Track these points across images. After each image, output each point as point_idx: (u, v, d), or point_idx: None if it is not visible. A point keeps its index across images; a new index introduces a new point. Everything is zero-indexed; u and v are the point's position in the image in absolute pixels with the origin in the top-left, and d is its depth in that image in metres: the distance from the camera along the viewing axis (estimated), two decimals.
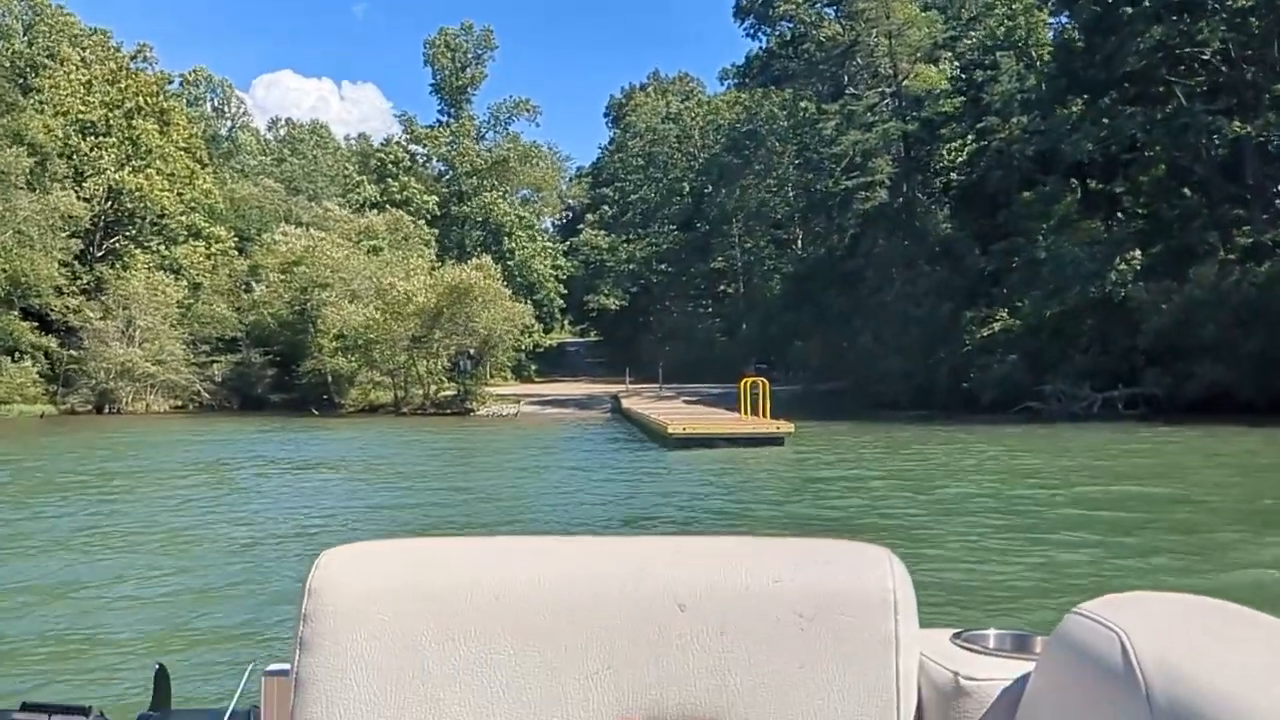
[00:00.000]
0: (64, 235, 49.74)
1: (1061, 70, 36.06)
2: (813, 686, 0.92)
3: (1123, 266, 31.55)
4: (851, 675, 0.92)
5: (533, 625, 0.95)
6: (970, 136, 42.82)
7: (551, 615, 0.95)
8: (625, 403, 41.30)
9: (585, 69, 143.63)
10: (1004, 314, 36.38)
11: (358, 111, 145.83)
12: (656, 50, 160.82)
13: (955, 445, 23.41)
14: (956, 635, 1.03)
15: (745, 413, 25.54)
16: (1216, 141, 33.24)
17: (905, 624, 0.94)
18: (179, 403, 49.24)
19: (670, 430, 22.84)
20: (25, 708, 1.26)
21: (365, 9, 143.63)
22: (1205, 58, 32.41)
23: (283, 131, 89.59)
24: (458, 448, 26.50)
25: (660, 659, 0.93)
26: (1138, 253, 31.53)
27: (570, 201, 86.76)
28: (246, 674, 1.28)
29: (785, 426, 22.83)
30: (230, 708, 1.27)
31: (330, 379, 46.71)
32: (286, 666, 1.02)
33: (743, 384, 25.98)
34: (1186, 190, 32.93)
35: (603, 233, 74.33)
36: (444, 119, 71.95)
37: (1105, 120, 33.06)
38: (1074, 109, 35.14)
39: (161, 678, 1.31)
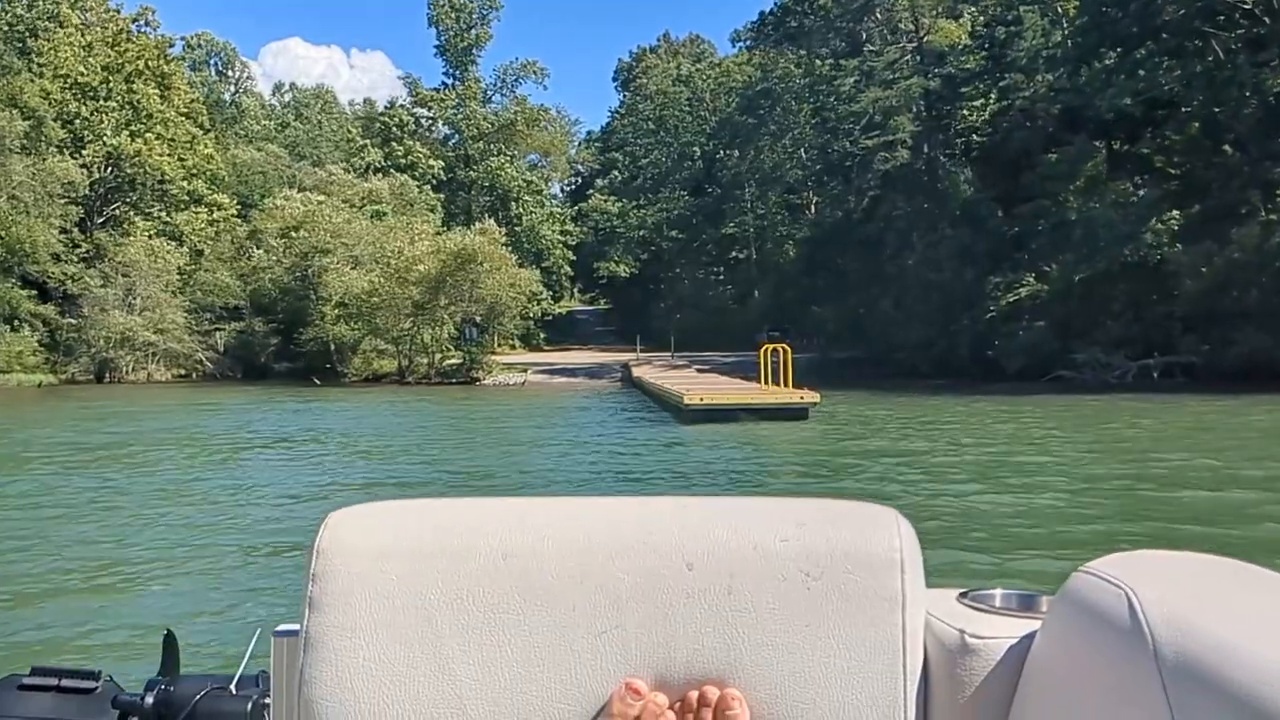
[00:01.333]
0: (62, 201, 48.92)
1: (1093, 22, 34.33)
2: (819, 644, 0.92)
3: (1159, 228, 29.95)
4: (858, 633, 0.92)
5: (541, 585, 0.95)
6: (993, 95, 41.18)
7: (560, 575, 0.95)
8: (636, 371, 40.00)
9: (594, 33, 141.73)
10: (1030, 279, 34.89)
11: (367, 79, 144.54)
12: (667, 12, 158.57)
13: (994, 416, 21.95)
14: (963, 594, 1.02)
15: (766, 382, 23.82)
16: (1256, 97, 31.56)
17: (912, 583, 0.93)
18: (182, 371, 48.56)
19: (686, 401, 21.23)
20: (35, 672, 1.31)
21: None
22: (1247, 6, 30.63)
23: (287, 97, 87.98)
24: (459, 420, 25.25)
25: (668, 618, 0.93)
26: (1175, 213, 29.89)
27: (579, 167, 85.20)
28: (255, 637, 1.27)
29: (810, 396, 21.16)
30: (239, 671, 1.32)
31: (333, 347, 45.58)
32: (295, 627, 1.02)
33: (762, 351, 24.12)
34: (1227, 148, 31.23)
35: (612, 198, 72.77)
36: (449, 81, 70.25)
37: (1141, 73, 31.31)
38: (1108, 62, 33.44)
39: (170, 642, 1.33)
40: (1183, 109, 32.31)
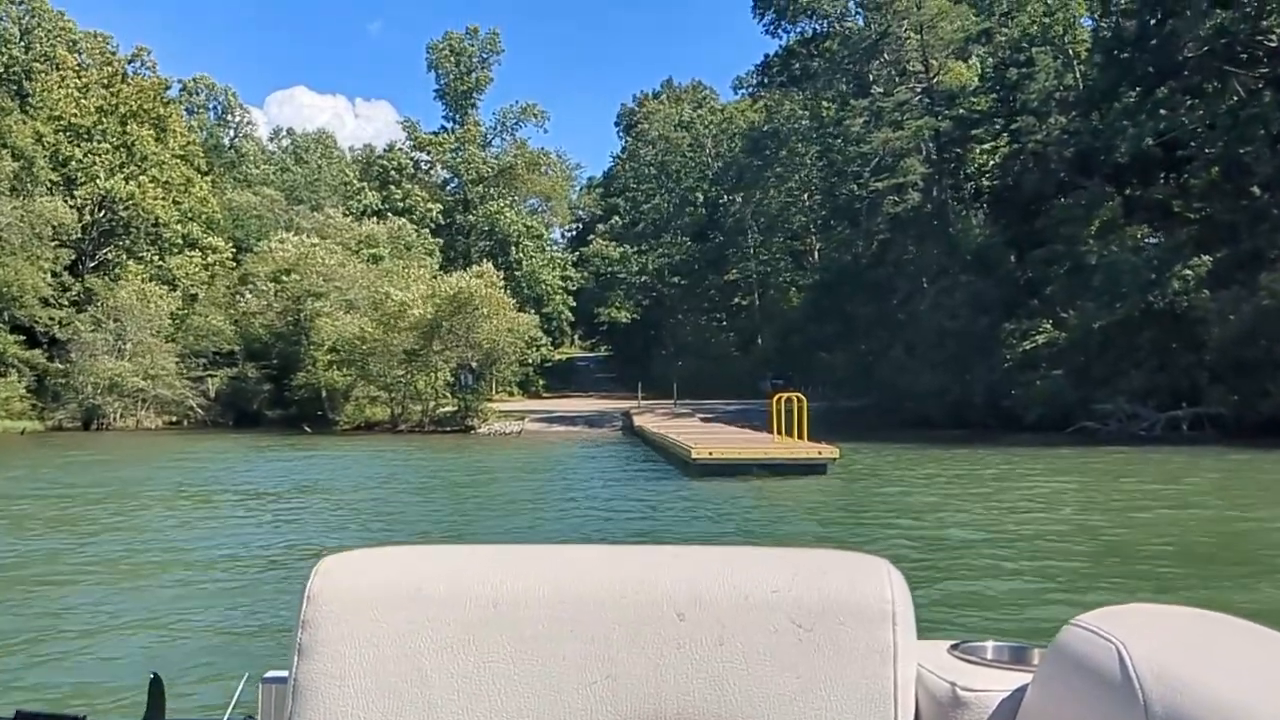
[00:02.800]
0: (53, 244, 48.05)
1: (1109, 61, 33.29)
2: (811, 696, 0.92)
3: (1185, 273, 28.63)
4: (849, 685, 0.92)
5: (532, 633, 0.95)
6: (1004, 138, 40.14)
7: (550, 624, 0.95)
8: (638, 420, 38.53)
9: (596, 79, 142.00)
10: (1047, 326, 33.58)
11: (371, 128, 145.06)
12: (669, 58, 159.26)
13: (1025, 471, 20.38)
14: (954, 646, 1.03)
15: (778, 434, 22.21)
16: None
17: (903, 634, 0.93)
18: (173, 418, 47.51)
19: (695, 455, 19.60)
20: (20, 716, 1.28)
21: (380, 27, 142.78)
22: (1273, 44, 29.56)
23: (286, 142, 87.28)
24: (448, 473, 23.68)
25: (659, 668, 0.93)
26: (1203, 258, 28.59)
27: (580, 212, 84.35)
28: (243, 681, 1.28)
29: (829, 451, 19.63)
30: (225, 718, 1.30)
31: (324, 394, 44.20)
32: (284, 674, 1.01)
33: (775, 400, 22.46)
34: (1256, 189, 30.01)
35: (613, 243, 71.78)
36: (449, 125, 69.46)
37: (1163, 112, 30.15)
38: (1127, 102, 32.36)
39: (156, 688, 1.31)
40: (1207, 150, 31.09)
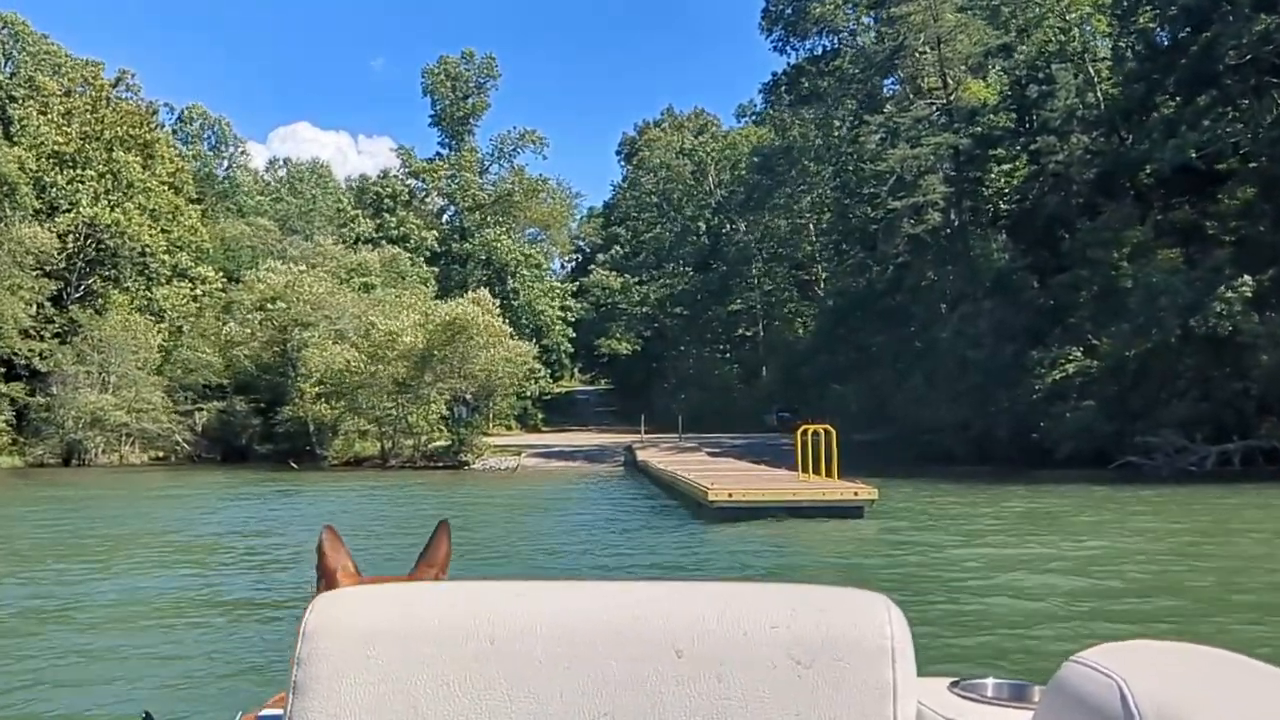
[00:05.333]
0: (35, 273, 46.28)
1: (1140, 72, 31.45)
2: None
3: (1229, 295, 26.58)
4: None
5: (529, 671, 0.94)
6: (1023, 159, 38.30)
7: (547, 661, 0.94)
8: (641, 455, 36.33)
9: (596, 110, 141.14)
10: (1077, 353, 31.50)
11: (373, 164, 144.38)
12: (670, 87, 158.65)
13: (1095, 517, 18.03)
14: (954, 684, 1.04)
15: (805, 471, 19.91)
16: None
17: (903, 671, 0.92)
18: (160, 454, 45.73)
19: (711, 497, 17.24)
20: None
21: (383, 64, 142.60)
22: None
23: (282, 172, 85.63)
24: (435, 515, 21.44)
25: (657, 705, 0.92)
26: (1247, 278, 26.56)
27: (581, 243, 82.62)
28: None
29: (865, 492, 17.14)
30: None
31: (312, 428, 42.08)
32: (278, 712, 1.04)
33: (799, 434, 19.86)
34: None
35: (614, 273, 69.90)
36: (444, 151, 67.64)
37: (1206, 123, 28.22)
38: (1165, 113, 30.48)
39: None
40: (1250, 164, 29.15)
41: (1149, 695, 0.74)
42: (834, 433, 18.70)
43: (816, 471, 18.76)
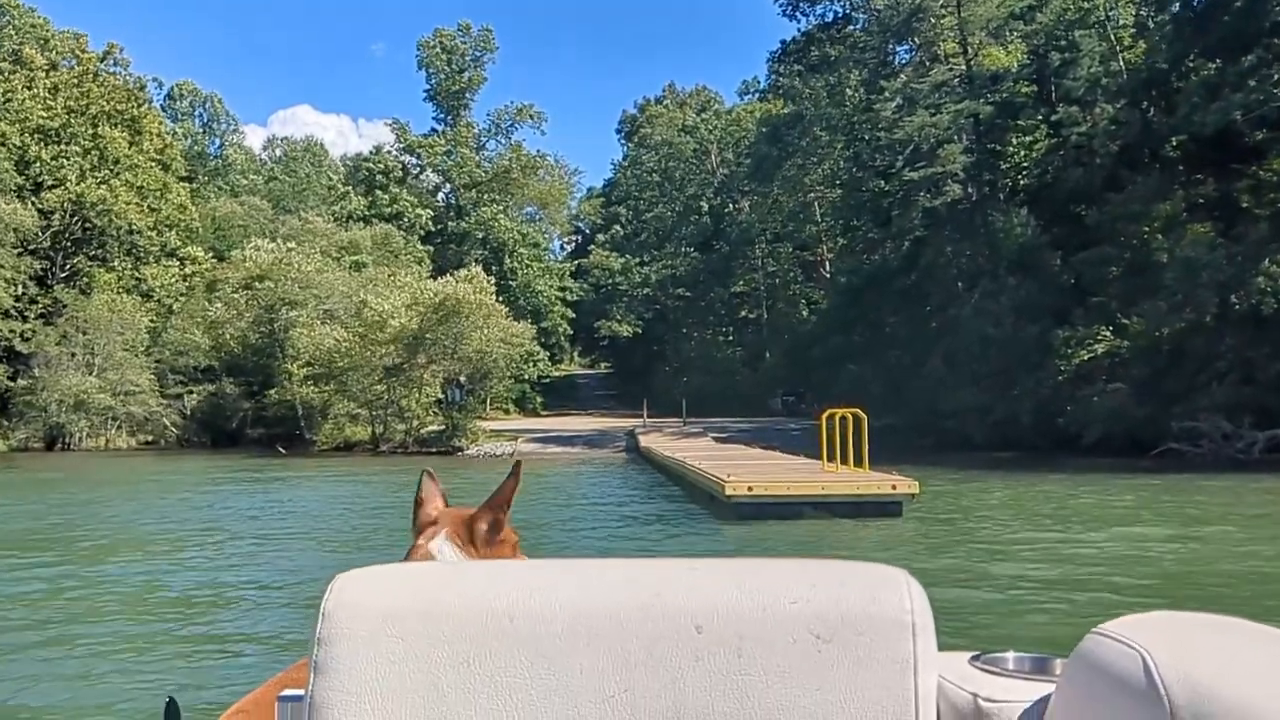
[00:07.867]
0: (16, 252, 44.60)
1: (1175, 34, 29.61)
2: (830, 709, 0.91)
3: (1275, 269, 24.83)
4: (869, 697, 0.91)
5: (548, 648, 0.94)
6: (1043, 130, 36.47)
7: (567, 638, 0.95)
8: (644, 440, 34.58)
9: (597, 87, 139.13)
10: (1106, 333, 29.73)
11: (374, 147, 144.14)
12: (672, 63, 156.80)
13: (1160, 506, 16.45)
14: (975, 657, 1.03)
15: (831, 461, 17.37)
16: None
17: (923, 645, 0.92)
18: (148, 438, 44.13)
19: (730, 491, 15.31)
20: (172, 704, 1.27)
21: (384, 48, 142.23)
22: None
23: (278, 151, 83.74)
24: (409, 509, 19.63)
25: (677, 681, 0.92)
26: None
27: (580, 224, 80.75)
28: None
29: (905, 485, 15.07)
30: None
31: (301, 411, 40.39)
32: (300, 693, 1.01)
33: (823, 419, 17.64)
34: None
35: (614, 254, 68.04)
36: (440, 127, 65.63)
37: (1252, 83, 26.35)
38: (1205, 75, 28.64)
39: (172, 711, 1.28)
40: None
41: (1173, 666, 0.74)
42: (864, 418, 16.76)
43: (844, 461, 16.89)
